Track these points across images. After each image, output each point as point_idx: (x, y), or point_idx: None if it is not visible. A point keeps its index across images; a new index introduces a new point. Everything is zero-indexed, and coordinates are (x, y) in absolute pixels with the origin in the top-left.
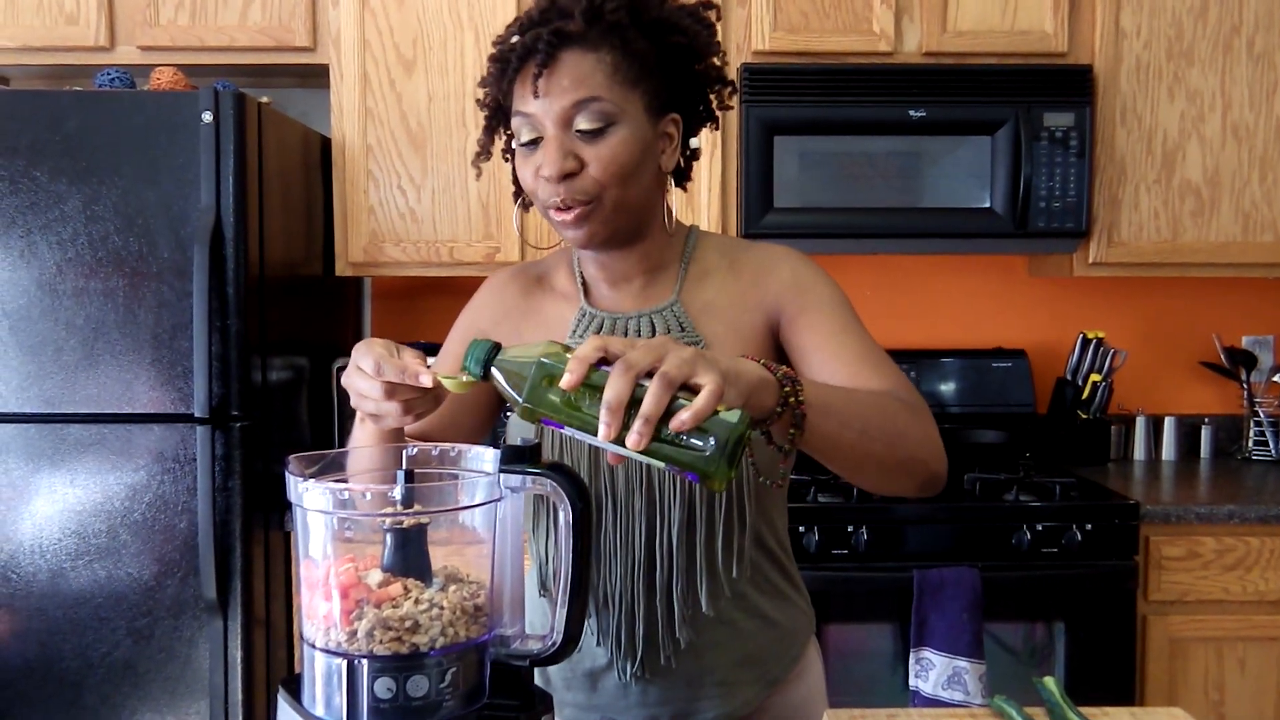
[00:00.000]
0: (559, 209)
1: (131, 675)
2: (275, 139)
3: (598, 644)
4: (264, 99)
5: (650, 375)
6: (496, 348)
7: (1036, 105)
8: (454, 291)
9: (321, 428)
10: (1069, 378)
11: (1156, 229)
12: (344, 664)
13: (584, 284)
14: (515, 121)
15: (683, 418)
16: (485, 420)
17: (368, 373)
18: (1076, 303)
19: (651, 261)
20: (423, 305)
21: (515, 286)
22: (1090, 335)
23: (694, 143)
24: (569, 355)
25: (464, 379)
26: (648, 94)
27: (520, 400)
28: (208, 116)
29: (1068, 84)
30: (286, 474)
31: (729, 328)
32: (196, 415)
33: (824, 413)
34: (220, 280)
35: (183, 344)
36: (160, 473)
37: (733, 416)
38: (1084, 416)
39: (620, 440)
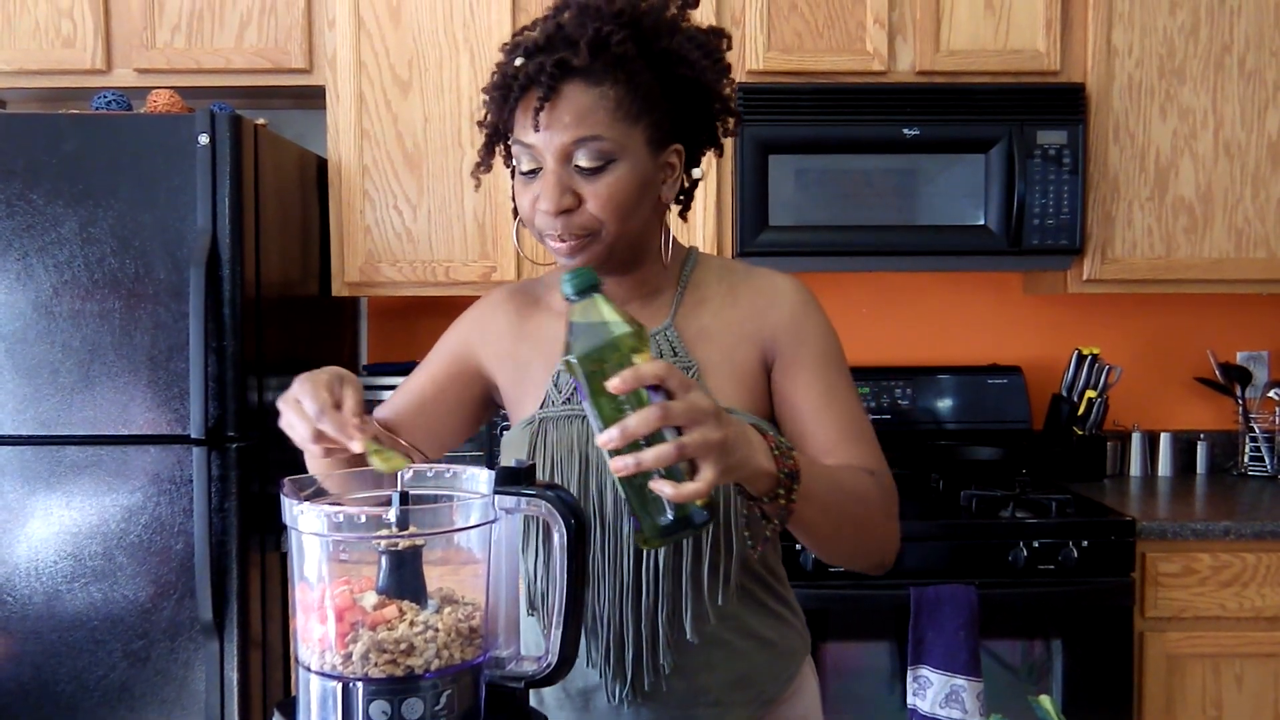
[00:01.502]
0: (557, 240)
1: (127, 698)
2: (271, 160)
3: (589, 665)
4: (260, 121)
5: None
6: (598, 285)
7: (1030, 123)
8: (450, 311)
9: None
10: (1064, 394)
11: (1150, 246)
12: (339, 687)
13: None
14: (515, 148)
15: (665, 490)
16: (460, 428)
17: (308, 414)
18: (1071, 319)
19: (648, 286)
20: (419, 325)
21: (510, 306)
22: (1085, 352)
23: (696, 173)
24: (637, 356)
25: (394, 461)
26: (650, 127)
27: (573, 353)
28: (204, 138)
29: (1060, 102)
30: (282, 496)
31: (723, 355)
32: (193, 436)
33: (809, 502)
34: (216, 301)
35: (179, 365)
36: (156, 494)
37: (699, 515)
38: (1080, 433)
39: (611, 452)
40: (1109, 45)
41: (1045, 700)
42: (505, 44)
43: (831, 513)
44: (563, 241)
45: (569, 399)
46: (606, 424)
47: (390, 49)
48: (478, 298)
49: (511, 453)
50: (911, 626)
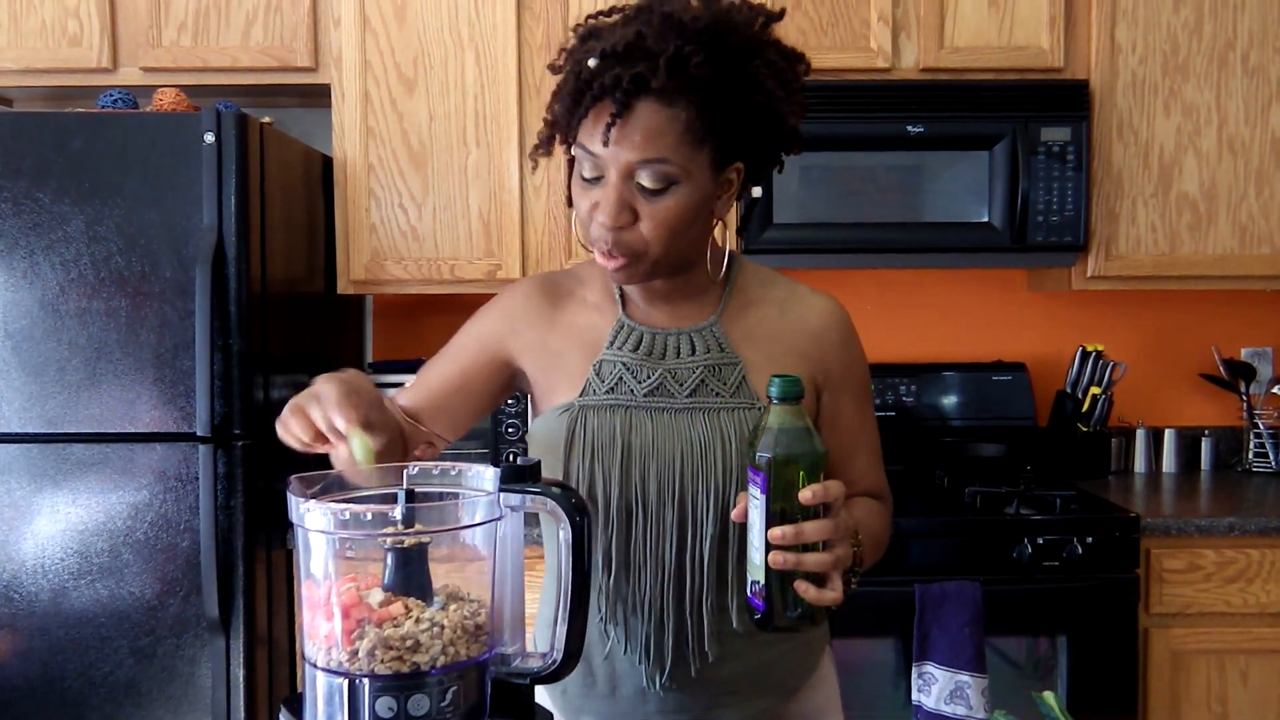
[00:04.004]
0: (605, 254)
1: (134, 695)
2: (277, 158)
3: (625, 653)
4: (266, 119)
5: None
6: (803, 394)
7: (1034, 120)
8: (455, 309)
9: None
10: (1069, 391)
11: (1154, 242)
12: (345, 683)
13: (621, 295)
14: (578, 152)
15: (809, 592)
16: (480, 414)
17: (317, 424)
18: (1075, 316)
19: (692, 286)
20: (424, 323)
21: (540, 297)
22: (1090, 348)
23: (756, 191)
24: (822, 473)
25: (369, 455)
26: (716, 149)
27: (772, 451)
28: (210, 137)
29: (1064, 99)
30: (288, 494)
31: (768, 359)
32: (199, 434)
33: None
34: (222, 299)
35: (185, 363)
36: (162, 492)
37: (819, 616)
38: (1084, 429)
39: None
40: (1113, 42)
41: (1049, 696)
42: (579, 26)
43: (867, 559)
44: (610, 258)
45: (612, 389)
46: (775, 519)
47: (395, 47)
48: (483, 295)
49: (544, 439)
50: (916, 623)
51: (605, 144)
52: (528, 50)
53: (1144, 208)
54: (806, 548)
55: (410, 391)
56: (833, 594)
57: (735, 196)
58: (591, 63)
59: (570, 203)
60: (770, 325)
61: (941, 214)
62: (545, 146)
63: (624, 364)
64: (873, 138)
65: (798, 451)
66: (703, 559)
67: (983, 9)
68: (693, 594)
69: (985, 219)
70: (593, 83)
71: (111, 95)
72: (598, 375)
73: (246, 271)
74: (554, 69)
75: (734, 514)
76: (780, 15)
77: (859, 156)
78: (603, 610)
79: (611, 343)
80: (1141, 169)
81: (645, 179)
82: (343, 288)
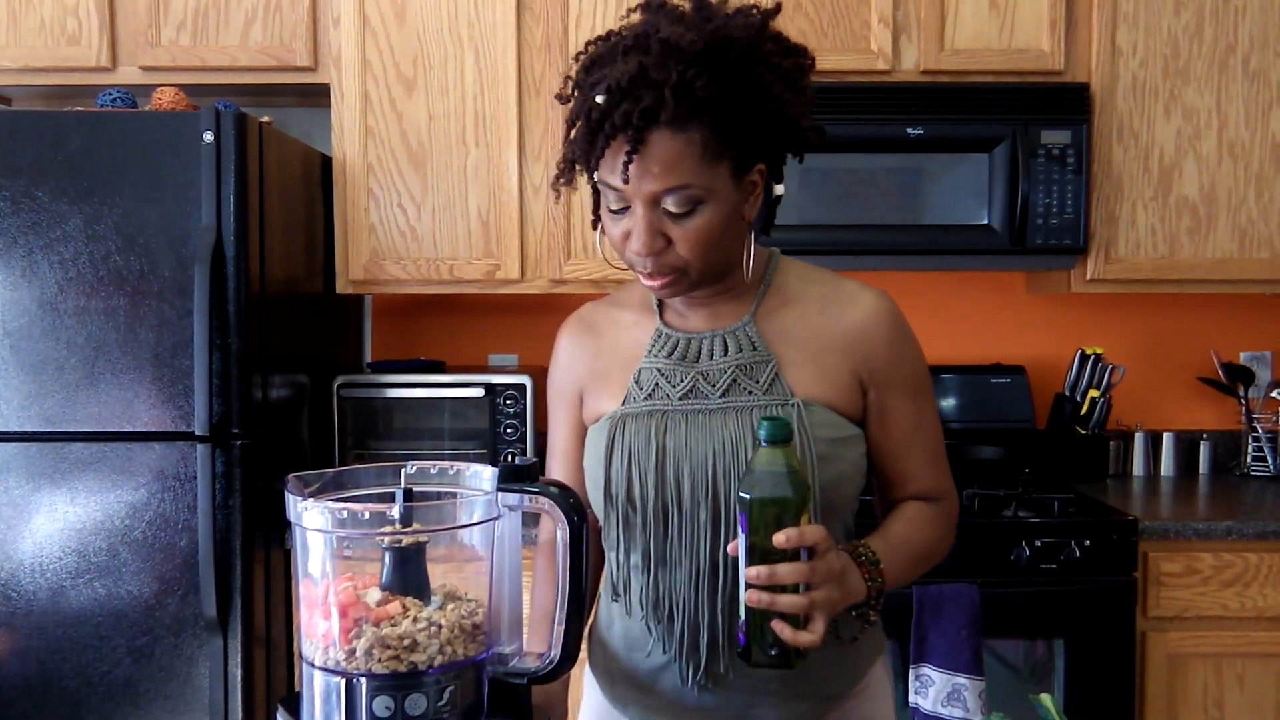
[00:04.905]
0: (646, 277)
1: (132, 694)
2: (276, 158)
3: (663, 650)
4: (265, 118)
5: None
6: (790, 439)
7: (1034, 123)
8: (454, 309)
9: (322, 445)
10: (1068, 394)
11: (1154, 245)
12: (342, 682)
13: (659, 304)
14: (602, 186)
15: (784, 633)
16: None
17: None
18: (1075, 319)
19: (729, 289)
20: (423, 322)
21: (584, 334)
22: (1089, 351)
23: (779, 189)
24: (803, 515)
25: None
26: (734, 159)
27: (752, 492)
28: (209, 136)
29: (1065, 102)
30: (286, 493)
31: (808, 357)
32: (197, 433)
33: (893, 582)
34: (221, 299)
35: (183, 362)
36: (161, 491)
37: (796, 657)
38: (1083, 432)
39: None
40: (1113, 45)
41: (1046, 699)
42: (580, 55)
43: (909, 575)
44: (652, 279)
45: (650, 395)
46: (754, 559)
47: (395, 47)
48: (481, 295)
49: (590, 450)
50: (914, 625)
51: (625, 180)
52: (527, 50)
53: (1144, 211)
54: (785, 588)
55: (559, 473)
56: (809, 636)
57: (760, 199)
58: (599, 99)
59: (597, 227)
60: (809, 322)
61: (941, 216)
62: (566, 176)
63: (659, 370)
64: (873, 140)
65: (776, 495)
66: (736, 557)
67: (983, 11)
68: (725, 592)
69: (985, 221)
70: (604, 122)
71: (110, 94)
72: (636, 384)
73: (245, 271)
74: (562, 99)
75: (729, 547)
76: (777, 9)
77: (859, 158)
78: (644, 608)
79: (649, 351)
80: (1141, 172)
81: (671, 205)
82: (341, 287)
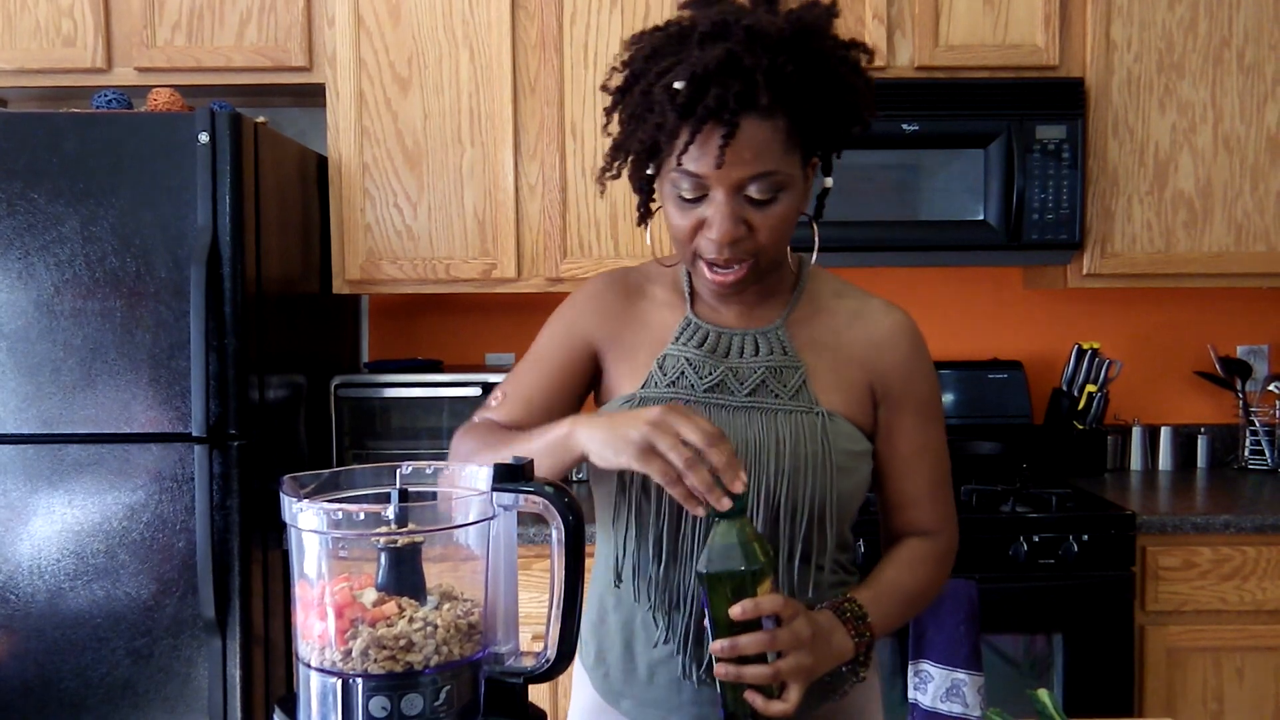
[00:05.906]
0: (718, 265)
1: (130, 695)
2: (272, 158)
3: (665, 642)
4: (260, 119)
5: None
6: (745, 510)
7: (1029, 118)
8: (451, 308)
9: (319, 446)
10: (1065, 388)
11: (1150, 240)
12: (339, 683)
13: (690, 293)
14: (677, 174)
15: (756, 703)
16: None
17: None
18: (1071, 314)
19: (766, 287)
20: (420, 322)
21: (617, 290)
22: (1085, 346)
23: (828, 182)
24: (760, 587)
25: None
26: (804, 148)
27: (708, 568)
28: (204, 137)
29: (1059, 97)
30: (281, 494)
31: (829, 368)
32: (194, 434)
33: (883, 632)
34: (217, 299)
35: (180, 363)
36: (158, 492)
37: None
38: (1080, 427)
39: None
40: (1108, 39)
41: (1044, 694)
42: (634, 43)
43: (899, 620)
44: (726, 267)
45: (673, 382)
46: (720, 632)
47: (390, 47)
48: (478, 295)
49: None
50: (913, 621)
51: (718, 165)
52: (522, 49)
53: (1139, 205)
54: (752, 659)
55: (505, 407)
56: (781, 706)
57: (811, 190)
58: (678, 85)
59: (643, 222)
60: (836, 335)
61: (937, 212)
62: (614, 170)
63: (687, 359)
64: (867, 136)
65: (730, 568)
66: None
67: (977, 7)
68: None
69: (981, 217)
70: (694, 107)
71: (106, 95)
72: (660, 369)
73: (241, 271)
74: (607, 89)
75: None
76: (835, 6)
77: (853, 155)
78: (652, 599)
79: (677, 338)
80: (1137, 166)
81: (755, 191)
82: (338, 287)
